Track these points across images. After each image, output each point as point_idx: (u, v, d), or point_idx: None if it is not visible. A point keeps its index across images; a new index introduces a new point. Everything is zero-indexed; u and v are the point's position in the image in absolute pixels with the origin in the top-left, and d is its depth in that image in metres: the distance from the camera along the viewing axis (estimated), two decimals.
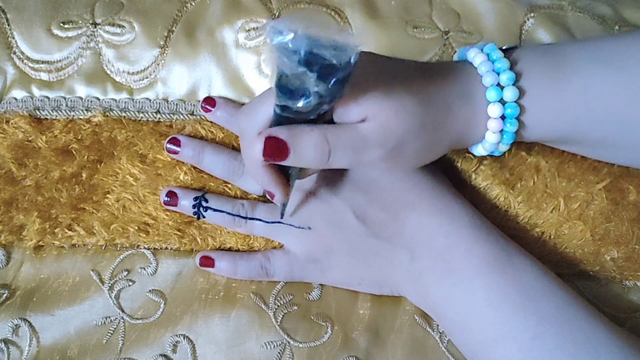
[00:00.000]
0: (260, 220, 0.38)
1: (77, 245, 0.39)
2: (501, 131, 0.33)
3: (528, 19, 0.41)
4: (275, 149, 0.28)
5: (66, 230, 0.39)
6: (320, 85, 0.25)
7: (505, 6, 0.41)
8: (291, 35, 0.24)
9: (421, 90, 0.31)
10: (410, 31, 0.40)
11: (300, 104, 0.26)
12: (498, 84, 0.32)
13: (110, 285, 0.38)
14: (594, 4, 0.43)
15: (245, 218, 0.38)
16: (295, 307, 0.38)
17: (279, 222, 0.37)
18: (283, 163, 0.30)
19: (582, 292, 0.39)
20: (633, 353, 0.31)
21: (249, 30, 0.40)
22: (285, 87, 0.26)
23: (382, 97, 0.29)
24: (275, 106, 0.28)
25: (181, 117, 0.40)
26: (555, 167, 0.38)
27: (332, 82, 0.25)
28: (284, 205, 0.36)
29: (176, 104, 0.40)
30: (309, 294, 0.38)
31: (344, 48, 0.24)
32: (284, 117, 0.29)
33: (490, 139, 0.33)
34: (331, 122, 0.30)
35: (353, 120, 0.30)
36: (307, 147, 0.29)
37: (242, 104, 0.40)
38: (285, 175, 0.33)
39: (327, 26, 0.24)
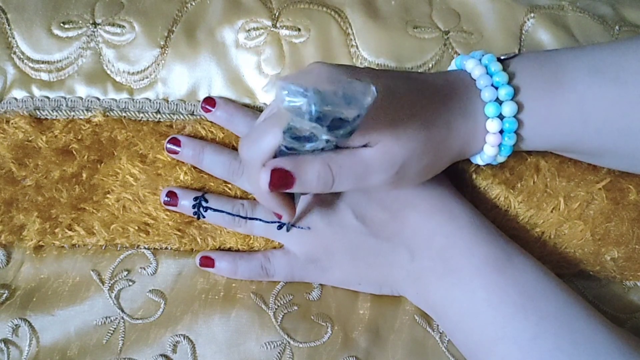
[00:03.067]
0: (260, 220, 0.38)
1: (77, 245, 0.39)
2: (499, 145, 0.33)
3: (528, 19, 0.41)
4: (281, 180, 0.29)
5: (66, 230, 0.39)
6: (329, 135, 0.25)
7: (505, 6, 0.41)
8: (302, 101, 0.24)
9: (423, 112, 0.31)
10: (410, 31, 0.40)
11: (307, 147, 0.27)
12: (497, 99, 0.32)
13: (110, 285, 0.38)
14: (594, 4, 0.43)
15: (245, 218, 0.38)
16: (295, 307, 0.38)
17: (278, 222, 0.37)
18: (287, 191, 0.30)
19: (582, 292, 0.39)
20: (633, 353, 0.31)
21: (249, 30, 0.40)
22: (294, 135, 0.26)
23: (385, 124, 0.29)
24: (282, 145, 0.28)
25: (181, 117, 0.40)
26: (555, 167, 0.38)
27: (342, 133, 0.25)
28: (289, 223, 0.37)
29: (176, 104, 0.40)
30: (309, 294, 0.38)
31: (355, 101, 0.24)
32: (289, 152, 0.29)
33: (489, 152, 0.34)
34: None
35: (356, 145, 0.30)
36: (311, 177, 0.29)
37: (242, 104, 0.40)
38: (290, 194, 0.34)
39: (338, 79, 0.24)
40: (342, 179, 0.30)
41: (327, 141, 0.26)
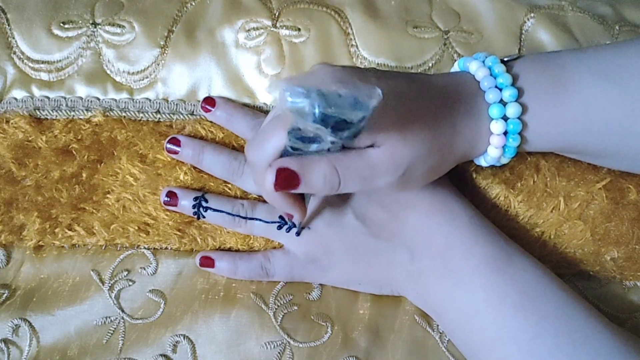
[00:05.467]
0: (260, 220, 0.38)
1: (77, 245, 0.39)
2: (503, 146, 0.33)
3: (528, 19, 0.41)
4: (286, 180, 0.29)
5: (66, 230, 0.39)
6: (334, 137, 0.25)
7: (505, 6, 0.41)
8: (305, 102, 0.24)
9: (428, 114, 0.31)
10: (410, 31, 0.40)
11: (312, 148, 0.27)
12: (501, 100, 0.32)
13: (110, 285, 0.38)
14: (594, 4, 0.43)
15: (245, 218, 0.38)
16: (295, 307, 0.38)
17: (278, 222, 0.37)
18: (294, 192, 0.30)
19: (582, 292, 0.39)
20: (633, 353, 0.31)
21: (249, 30, 0.40)
22: (298, 135, 0.26)
23: (391, 125, 0.29)
24: (287, 145, 0.28)
25: (181, 117, 0.40)
26: (555, 167, 0.38)
27: (346, 135, 0.25)
28: (301, 223, 0.36)
29: (176, 104, 0.40)
30: (309, 294, 0.38)
31: (360, 104, 0.24)
32: (295, 153, 0.29)
33: (493, 154, 0.33)
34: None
35: (362, 145, 0.30)
36: (317, 178, 0.29)
37: (242, 104, 0.40)
38: (300, 194, 0.33)
39: (342, 80, 0.24)
40: (349, 180, 0.30)
41: (333, 142, 0.26)
